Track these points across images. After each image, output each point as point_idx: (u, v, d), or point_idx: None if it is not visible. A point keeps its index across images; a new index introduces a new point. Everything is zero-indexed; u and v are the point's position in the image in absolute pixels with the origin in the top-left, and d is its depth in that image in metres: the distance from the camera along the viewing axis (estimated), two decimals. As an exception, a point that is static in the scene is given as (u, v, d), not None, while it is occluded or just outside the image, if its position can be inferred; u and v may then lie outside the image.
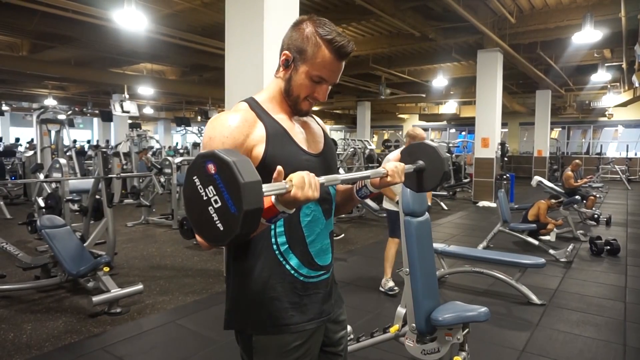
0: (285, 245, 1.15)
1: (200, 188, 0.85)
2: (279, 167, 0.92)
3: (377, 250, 5.72)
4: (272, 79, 1.24)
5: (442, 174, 1.29)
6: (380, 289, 3.94)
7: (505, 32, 8.91)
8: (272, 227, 1.13)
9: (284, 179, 0.95)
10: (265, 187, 0.85)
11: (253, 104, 1.17)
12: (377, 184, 1.23)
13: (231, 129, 1.09)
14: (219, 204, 0.83)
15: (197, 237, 1.06)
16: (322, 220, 1.20)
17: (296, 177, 0.92)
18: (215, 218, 0.83)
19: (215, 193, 0.83)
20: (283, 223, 1.14)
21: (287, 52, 1.16)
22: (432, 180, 1.32)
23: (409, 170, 1.28)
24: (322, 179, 0.98)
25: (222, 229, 0.83)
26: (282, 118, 1.18)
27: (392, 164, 1.22)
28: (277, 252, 1.14)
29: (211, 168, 0.83)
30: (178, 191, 7.31)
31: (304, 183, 0.92)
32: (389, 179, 1.20)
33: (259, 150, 1.10)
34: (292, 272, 1.16)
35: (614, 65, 11.91)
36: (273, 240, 1.14)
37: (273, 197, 0.92)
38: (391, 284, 3.89)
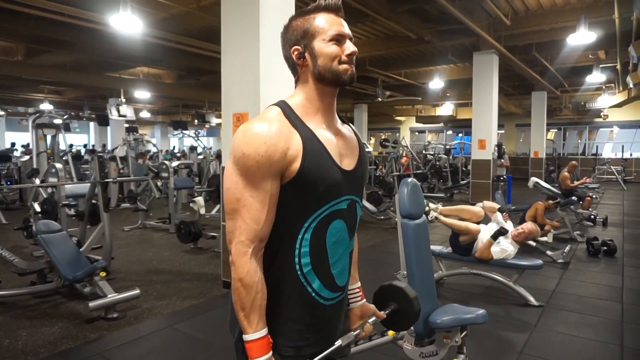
0: (308, 267, 1.09)
1: None
2: None
3: (375, 252, 5.72)
4: (294, 89, 1.18)
5: (414, 314, 1.30)
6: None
7: (500, 34, 8.95)
8: (297, 246, 1.08)
9: (315, 194, 1.03)
10: None
11: (287, 110, 1.09)
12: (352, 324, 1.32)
13: (267, 146, 1.01)
14: None
15: (234, 271, 1.06)
16: (346, 241, 1.15)
17: None
18: None
19: None
20: (309, 243, 1.08)
21: (294, 47, 1.12)
22: (405, 321, 1.32)
23: (385, 312, 1.30)
24: None
25: None
26: (317, 126, 1.11)
27: (366, 325, 1.25)
28: (299, 272, 1.08)
29: None
30: (175, 195, 7.30)
31: None
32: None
33: (295, 166, 1.04)
34: (314, 294, 1.11)
35: (609, 67, 11.98)
36: (296, 260, 1.08)
37: None
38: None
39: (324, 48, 1.09)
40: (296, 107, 1.11)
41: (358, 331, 1.21)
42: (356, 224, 1.20)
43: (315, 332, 1.13)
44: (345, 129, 1.23)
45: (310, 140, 1.07)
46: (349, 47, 1.11)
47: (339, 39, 1.10)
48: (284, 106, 1.10)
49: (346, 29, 1.12)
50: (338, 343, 1.13)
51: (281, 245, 1.08)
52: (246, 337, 1.03)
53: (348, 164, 1.15)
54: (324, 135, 1.11)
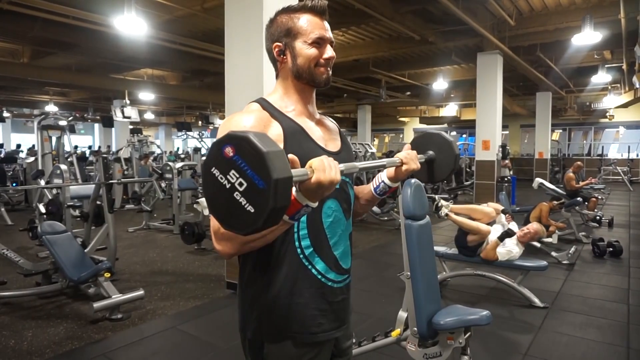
0: (310, 249, 1.10)
1: (221, 178, 0.79)
2: (293, 156, 0.86)
3: (379, 254, 5.71)
4: (274, 83, 1.21)
5: (454, 160, 1.29)
6: None
7: (504, 34, 8.91)
8: (295, 230, 1.08)
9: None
10: None
11: (265, 104, 1.13)
12: (394, 177, 1.22)
13: (245, 129, 1.03)
14: (245, 184, 0.77)
15: (217, 245, 1.01)
16: (343, 221, 1.16)
17: (315, 161, 0.88)
18: (244, 202, 0.78)
19: (238, 175, 0.78)
20: (306, 225, 1.09)
21: (276, 43, 1.15)
22: (443, 169, 1.31)
23: (421, 160, 1.26)
24: (341, 166, 0.95)
25: (253, 210, 0.77)
26: (296, 116, 1.14)
27: (404, 152, 1.22)
28: (301, 256, 1.09)
29: (229, 151, 0.78)
30: (179, 196, 7.31)
31: (324, 166, 0.87)
32: (404, 167, 1.19)
33: None
34: (319, 277, 1.11)
35: (614, 67, 11.91)
36: (297, 243, 1.09)
37: (294, 190, 0.85)
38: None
39: (304, 49, 1.12)
40: (274, 101, 1.15)
41: (399, 159, 1.19)
42: (351, 204, 1.22)
43: (329, 318, 1.13)
44: (326, 119, 1.27)
45: (290, 126, 1.10)
46: (328, 51, 1.14)
47: (319, 42, 1.13)
48: (262, 102, 1.15)
49: (328, 33, 1.15)
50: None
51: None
52: None
53: (333, 147, 1.20)
54: (305, 122, 1.15)
